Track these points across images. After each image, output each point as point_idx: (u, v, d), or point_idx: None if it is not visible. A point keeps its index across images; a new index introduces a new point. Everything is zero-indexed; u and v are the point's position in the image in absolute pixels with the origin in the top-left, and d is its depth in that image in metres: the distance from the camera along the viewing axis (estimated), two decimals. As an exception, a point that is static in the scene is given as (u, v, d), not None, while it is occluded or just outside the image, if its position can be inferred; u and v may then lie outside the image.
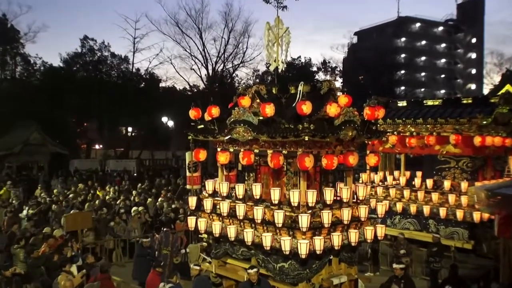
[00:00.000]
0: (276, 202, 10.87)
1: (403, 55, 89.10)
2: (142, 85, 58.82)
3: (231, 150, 12.11)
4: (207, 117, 12.12)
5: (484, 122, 16.78)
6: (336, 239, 10.61)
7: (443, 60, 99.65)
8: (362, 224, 11.50)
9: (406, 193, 18.75)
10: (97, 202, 24.39)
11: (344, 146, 11.34)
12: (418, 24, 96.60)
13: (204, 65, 53.31)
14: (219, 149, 12.23)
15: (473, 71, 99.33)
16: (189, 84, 57.67)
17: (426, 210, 17.95)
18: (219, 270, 12.77)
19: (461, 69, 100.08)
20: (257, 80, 56.40)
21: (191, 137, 12.44)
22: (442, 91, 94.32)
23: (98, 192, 28.07)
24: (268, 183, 12.08)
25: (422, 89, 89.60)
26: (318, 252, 10.32)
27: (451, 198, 17.52)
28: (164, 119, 52.86)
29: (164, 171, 46.33)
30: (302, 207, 10.52)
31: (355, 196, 11.82)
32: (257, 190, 11.35)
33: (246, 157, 11.19)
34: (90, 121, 56.90)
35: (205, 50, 53.06)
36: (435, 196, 17.93)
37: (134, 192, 27.85)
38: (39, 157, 40.44)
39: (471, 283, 14.65)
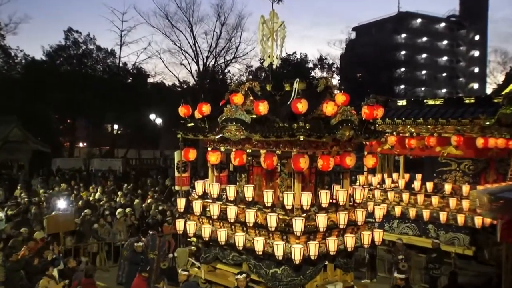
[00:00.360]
0: (269, 204, 10.85)
1: (403, 52, 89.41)
2: (129, 80, 58.68)
3: (222, 149, 12.09)
4: (197, 115, 12.11)
5: (487, 123, 16.82)
6: (332, 244, 10.61)
7: (445, 58, 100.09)
8: (359, 229, 11.51)
9: (405, 196, 18.78)
10: (80, 203, 24.32)
11: (341, 146, 11.34)
12: (419, 20, 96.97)
13: (194, 60, 53.22)
14: (209, 149, 12.19)
15: (476, 69, 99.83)
16: (178, 80, 57.61)
17: (426, 214, 17.98)
18: (208, 275, 12.75)
19: (464, 68, 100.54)
20: (250, 77, 56.38)
21: (180, 136, 12.42)
22: (444, 90, 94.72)
23: (81, 193, 27.98)
24: (261, 184, 12.07)
25: (423, 88, 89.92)
26: (312, 258, 10.31)
27: (452, 202, 17.55)
28: (152, 116, 52.79)
29: (151, 171, 46.25)
30: (296, 210, 10.52)
31: (351, 199, 11.82)
32: (249, 192, 11.34)
33: (238, 157, 11.18)
34: (74, 118, 56.67)
35: (196, 44, 52.98)
36: (435, 200, 17.97)
37: (119, 193, 27.79)
38: (20, 155, 40.20)
39: (471, 292, 14.72)
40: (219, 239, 11.54)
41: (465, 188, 17.63)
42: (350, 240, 11.02)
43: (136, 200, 25.70)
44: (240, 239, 11.11)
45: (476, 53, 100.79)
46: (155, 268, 15.54)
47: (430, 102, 19.32)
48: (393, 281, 14.22)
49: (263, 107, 10.64)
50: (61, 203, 21.01)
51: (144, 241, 16.53)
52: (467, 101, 18.21)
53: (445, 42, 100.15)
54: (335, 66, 69.41)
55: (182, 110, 12.16)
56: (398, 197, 19.10)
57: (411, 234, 18.69)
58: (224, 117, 11.10)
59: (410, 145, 18.30)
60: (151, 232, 17.07)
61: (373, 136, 11.56)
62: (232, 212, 11.33)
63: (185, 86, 57.35)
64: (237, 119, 10.94)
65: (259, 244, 10.67)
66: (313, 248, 10.27)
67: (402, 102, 20.31)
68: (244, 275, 11.08)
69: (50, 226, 18.31)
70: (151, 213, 22.42)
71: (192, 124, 12.25)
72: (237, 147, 11.62)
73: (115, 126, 60.73)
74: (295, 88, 11.29)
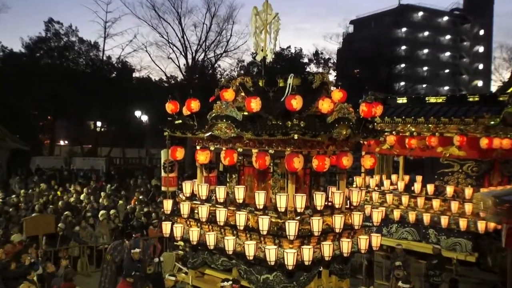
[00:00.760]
0: (261, 207, 10.85)
1: (403, 47, 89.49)
2: (114, 74, 58.54)
3: (212, 148, 12.08)
4: (185, 112, 12.10)
5: (492, 123, 16.88)
6: (327, 249, 10.62)
7: (448, 54, 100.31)
8: (355, 233, 11.53)
9: (405, 199, 18.83)
10: (60, 203, 24.25)
11: (337, 146, 11.36)
12: (420, 13, 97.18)
13: (183, 53, 53.14)
14: (198, 147, 12.20)
15: (480, 66, 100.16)
16: (166, 75, 57.50)
17: (426, 218, 18.03)
18: (196, 281, 12.75)
19: (467, 64, 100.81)
20: (242, 72, 56.29)
21: (167, 134, 12.39)
22: (446, 88, 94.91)
23: (58, 193, 27.86)
24: (253, 185, 12.08)
25: (424, 85, 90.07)
26: (306, 263, 10.32)
27: (454, 205, 17.60)
28: (138, 113, 52.67)
29: (136, 171, 46.17)
30: (290, 213, 10.52)
31: (348, 202, 11.86)
32: (240, 193, 11.33)
33: (229, 157, 11.17)
34: (54, 114, 56.47)
35: (185, 37, 52.90)
36: (436, 203, 18.02)
37: (102, 194, 27.72)
38: (-3, 153, 40.05)
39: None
40: (208, 243, 11.53)
41: (468, 191, 17.69)
42: (346, 245, 11.03)
43: (120, 202, 25.66)
44: (230, 243, 11.09)
45: (481, 49, 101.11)
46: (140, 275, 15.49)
47: (432, 99, 19.36)
48: None
49: (255, 104, 10.64)
50: None
51: (127, 245, 16.48)
52: (470, 99, 18.28)
53: (448, 36, 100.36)
54: (332, 61, 69.48)
55: (170, 107, 12.14)
56: (397, 200, 19.14)
57: (411, 239, 18.73)
58: (214, 114, 11.09)
59: (410, 145, 18.35)
60: (134, 236, 17.03)
61: (371, 135, 11.58)
62: (221, 214, 11.32)
63: (173, 81, 57.33)
64: (227, 116, 10.93)
65: (250, 249, 10.66)
66: (307, 253, 10.27)
67: (402, 100, 20.35)
68: (230, 283, 11.07)
69: (29, 228, 18.25)
70: (135, 215, 22.39)
71: (180, 121, 12.22)
72: (227, 146, 11.61)
73: (98, 123, 60.59)
74: (289, 84, 11.30)
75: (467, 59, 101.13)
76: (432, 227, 18.16)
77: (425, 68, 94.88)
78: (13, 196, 26.57)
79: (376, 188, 20.06)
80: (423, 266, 17.02)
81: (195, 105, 11.77)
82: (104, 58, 58.25)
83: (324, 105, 10.47)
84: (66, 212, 21.21)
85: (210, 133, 11.37)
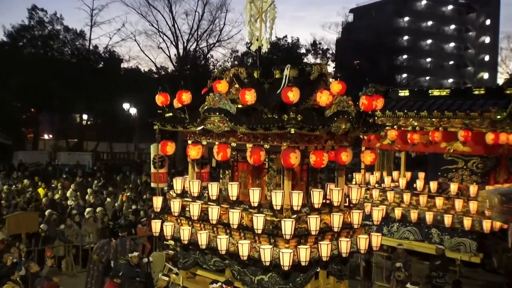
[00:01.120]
0: (256, 204, 10.86)
1: (406, 37, 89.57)
2: (101, 65, 58.40)
3: (204, 143, 12.08)
4: (176, 104, 12.09)
5: (498, 117, 16.93)
6: (325, 249, 10.64)
7: (452, 44, 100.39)
8: (354, 232, 11.56)
9: (406, 197, 18.88)
10: (44, 200, 24.21)
11: (336, 141, 11.38)
12: (424, 2, 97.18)
13: (174, 43, 53.02)
14: (189, 142, 12.19)
15: (486, 57, 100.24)
16: (156, 65, 57.47)
17: (429, 217, 18.08)
18: (187, 282, 12.77)
19: (473, 55, 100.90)
20: (236, 62, 56.25)
21: (157, 127, 12.39)
22: (450, 80, 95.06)
23: (40, 190, 27.74)
24: (247, 182, 12.09)
25: (427, 77, 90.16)
26: (303, 264, 10.34)
27: (458, 203, 17.66)
28: (126, 105, 52.49)
29: (124, 167, 46.08)
30: (286, 211, 10.54)
31: (347, 200, 11.87)
32: (233, 190, 11.33)
33: (222, 152, 11.17)
34: (38, 107, 56.29)
35: (176, 25, 52.77)
36: (439, 201, 18.07)
37: (89, 191, 27.68)
38: (-23, 148, 40.05)
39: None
40: (200, 242, 11.53)
41: (473, 189, 17.74)
42: (345, 245, 11.06)
43: (108, 199, 25.62)
44: (222, 242, 11.10)
45: (487, 39, 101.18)
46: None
47: (435, 92, 19.41)
48: None
49: (249, 96, 10.64)
50: None
51: (111, 245, 16.45)
52: (476, 92, 18.33)
53: (452, 26, 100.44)
54: (330, 51, 69.43)
55: (160, 99, 12.14)
56: (398, 197, 19.19)
57: (412, 238, 18.79)
58: (206, 107, 11.10)
59: (412, 140, 18.39)
60: (120, 235, 17.00)
61: (371, 129, 11.60)
62: (214, 212, 11.33)
63: (163, 72, 57.21)
64: (220, 109, 10.93)
65: (244, 248, 10.67)
66: (304, 253, 10.29)
67: (404, 93, 20.39)
68: (219, 284, 11.08)
69: (11, 226, 18.22)
70: (123, 212, 22.36)
71: (170, 114, 12.22)
72: (220, 140, 11.62)
73: (85, 116, 60.46)
74: (286, 75, 11.29)
75: (472, 50, 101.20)
76: (435, 226, 18.22)
77: (428, 60, 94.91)
78: (-6, 192, 26.51)
79: (376, 185, 20.11)
80: (426, 267, 17.03)
81: (186, 97, 11.76)
82: (91, 47, 58.13)
83: (322, 98, 10.46)
84: (48, 210, 21.13)
85: (202, 126, 11.38)
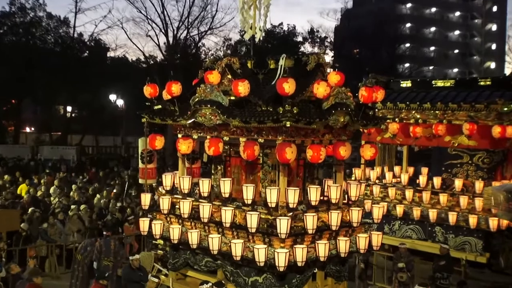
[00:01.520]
0: (249, 202, 10.88)
1: (408, 25, 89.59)
2: (86, 54, 58.24)
3: (195, 137, 12.08)
4: (165, 96, 12.08)
5: (505, 109, 16.96)
6: (322, 249, 10.65)
7: (457, 32, 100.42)
8: (354, 231, 11.58)
9: (409, 193, 18.91)
10: (26, 197, 24.17)
11: (334, 134, 11.39)
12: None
13: (163, 31, 52.87)
14: (180, 136, 12.19)
15: (493, 46, 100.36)
16: (144, 54, 57.21)
17: (432, 214, 18.12)
18: (177, 284, 12.77)
19: (479, 44, 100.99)
20: (229, 52, 56.23)
21: (146, 120, 12.38)
22: (455, 70, 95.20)
23: (22, 186, 27.66)
24: (240, 178, 12.10)
25: (431, 67, 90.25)
26: (299, 264, 10.35)
27: (463, 200, 17.69)
28: (113, 96, 52.44)
29: (111, 161, 46.07)
30: (281, 208, 10.54)
31: (346, 196, 11.89)
32: (226, 186, 11.33)
33: (213, 146, 11.16)
34: (19, 98, 56.16)
35: (165, 12, 52.58)
36: (443, 198, 18.10)
37: (73, 187, 27.64)
38: (-46, 141, 39.94)
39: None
40: (190, 241, 11.54)
41: (479, 185, 17.78)
42: (343, 244, 11.07)
43: (97, 196, 25.53)
44: (214, 242, 11.11)
45: (494, 27, 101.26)
46: (112, 277, 15.42)
47: (439, 83, 19.46)
48: None
49: (243, 88, 10.62)
50: None
51: (96, 246, 16.42)
52: (482, 83, 18.37)
53: (457, 13, 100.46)
54: (329, 40, 69.41)
55: (148, 90, 12.12)
56: (400, 194, 19.23)
57: (415, 237, 18.84)
58: (197, 99, 11.08)
59: (415, 133, 18.41)
60: (105, 234, 16.98)
61: (371, 122, 11.60)
62: (205, 210, 11.32)
63: (152, 62, 57.05)
64: (212, 101, 10.92)
65: (237, 248, 10.68)
66: (300, 253, 10.30)
67: (406, 83, 20.42)
68: (209, 285, 11.08)
69: (-9, 225, 18.19)
70: (110, 210, 22.32)
71: (159, 106, 12.21)
72: (212, 134, 11.61)
73: (69, 108, 60.37)
74: (281, 66, 11.27)
75: (478, 38, 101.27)
76: (439, 224, 18.26)
77: (432, 48, 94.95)
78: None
79: (377, 181, 20.16)
80: (430, 268, 17.07)
81: (176, 88, 11.73)
82: (75, 35, 57.97)
83: (320, 89, 10.46)
84: (30, 208, 21.11)
85: (193, 119, 11.36)
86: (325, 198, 11.60)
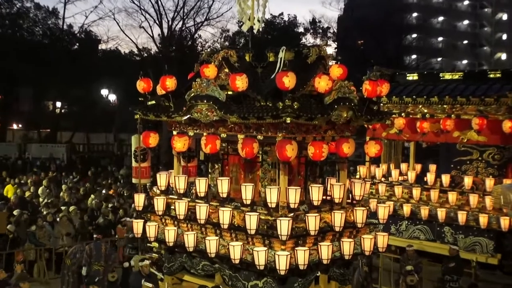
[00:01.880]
0: (248, 202, 10.85)
1: (415, 14, 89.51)
2: (76, 46, 58.31)
3: (191, 134, 12.07)
4: (159, 91, 12.06)
5: (517, 103, 16.98)
6: (325, 251, 10.65)
7: (466, 22, 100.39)
8: (358, 232, 11.57)
9: (416, 192, 18.92)
10: (13, 198, 24.16)
11: (336, 130, 11.38)
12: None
13: (157, 22, 52.89)
14: (175, 133, 12.17)
15: (504, 36, 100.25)
16: (137, 47, 57.26)
17: (441, 214, 18.12)
18: (173, 289, 12.78)
19: (489, 34, 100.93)
20: (226, 43, 56.17)
21: (139, 116, 12.37)
22: (464, 61, 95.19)
23: (8, 187, 27.63)
24: (238, 177, 12.10)
25: (439, 58, 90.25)
26: (301, 268, 10.33)
27: (473, 199, 17.70)
28: (104, 91, 52.43)
29: (103, 160, 46.11)
30: (282, 209, 10.53)
31: (350, 196, 11.88)
32: (223, 186, 11.31)
33: (210, 144, 11.14)
34: (6, 93, 56.16)
35: (159, 2, 52.66)
36: (452, 197, 18.11)
37: (63, 187, 27.66)
38: None
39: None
40: (187, 244, 11.53)
41: (489, 182, 17.79)
42: (347, 246, 11.05)
43: (92, 196, 25.52)
44: (212, 244, 11.09)
45: (504, 16, 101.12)
46: (102, 282, 15.40)
47: (447, 76, 19.45)
48: None
49: (241, 82, 10.61)
50: None
51: (86, 250, 16.41)
52: (492, 75, 18.35)
53: (466, 2, 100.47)
54: (331, 30, 69.53)
55: (141, 85, 12.09)
56: (407, 193, 19.25)
57: (423, 238, 18.85)
58: (192, 94, 11.05)
59: (422, 129, 18.41)
60: (95, 237, 16.94)
61: (376, 118, 11.60)
62: (202, 211, 11.31)
63: (145, 55, 57.10)
64: (208, 96, 10.89)
65: (236, 251, 10.67)
66: (302, 256, 10.28)
67: (412, 76, 20.42)
68: None
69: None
70: (102, 211, 22.31)
71: (153, 102, 12.20)
72: (208, 131, 11.60)
73: (58, 104, 60.37)
74: (281, 58, 11.25)
75: (488, 28, 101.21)
76: (448, 224, 18.28)
77: (439, 39, 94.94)
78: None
79: (382, 179, 20.17)
80: (438, 270, 17.08)
81: (170, 83, 11.72)
82: (65, 27, 58.03)
83: (321, 83, 10.45)
84: (18, 210, 21.10)
85: (188, 116, 11.34)
86: (328, 198, 11.59)
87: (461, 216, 17.65)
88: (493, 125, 17.20)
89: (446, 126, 17.85)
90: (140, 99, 12.41)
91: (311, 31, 66.93)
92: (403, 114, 18.88)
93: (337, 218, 10.93)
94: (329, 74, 10.76)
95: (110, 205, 23.21)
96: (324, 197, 11.35)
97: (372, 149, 11.67)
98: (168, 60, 45.84)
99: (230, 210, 11.01)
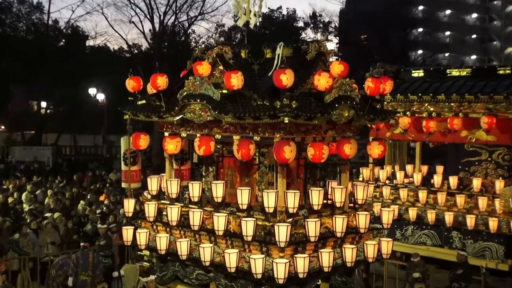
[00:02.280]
0: (245, 207, 10.86)
1: (421, 8, 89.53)
2: (62, 43, 58.21)
3: (184, 135, 12.09)
4: (150, 89, 12.07)
5: (527, 101, 17.01)
6: (326, 258, 10.66)
7: (474, 15, 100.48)
8: (361, 238, 11.59)
9: (422, 195, 18.93)
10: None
11: (337, 131, 11.40)
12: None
13: (148, 16, 52.86)
14: (166, 134, 12.19)
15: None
16: (127, 43, 57.22)
17: (449, 218, 18.14)
18: (165, 299, 12.79)
19: (498, 28, 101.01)
20: (222, 39, 56.21)
21: (128, 117, 12.37)
22: (473, 57, 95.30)
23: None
24: (234, 181, 12.12)
25: (446, 54, 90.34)
26: (301, 276, 10.35)
27: (482, 202, 17.71)
28: (92, 90, 52.42)
29: (91, 163, 46.08)
30: (280, 214, 10.55)
31: (352, 199, 11.90)
32: (218, 190, 11.31)
33: (204, 145, 11.15)
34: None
35: (151, -5, 52.64)
36: (460, 200, 18.12)
37: (49, 192, 27.63)
38: None
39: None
40: (179, 252, 11.54)
41: (499, 184, 17.82)
42: (350, 253, 11.08)
43: (82, 202, 25.49)
44: (206, 252, 11.10)
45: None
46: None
47: (454, 72, 19.46)
48: None
49: (236, 80, 10.61)
50: None
51: (73, 259, 16.39)
52: (501, 72, 18.38)
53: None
54: (333, 25, 69.53)
55: (131, 83, 12.08)
56: (413, 196, 19.26)
57: (430, 244, 18.86)
58: (185, 93, 11.06)
59: (428, 128, 18.42)
60: (82, 245, 16.90)
61: (379, 117, 11.61)
62: (196, 217, 11.31)
63: (136, 51, 57.07)
64: (202, 95, 10.90)
65: (232, 259, 10.67)
66: (302, 264, 10.30)
67: (418, 73, 20.44)
68: None
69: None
70: (90, 218, 22.27)
71: (143, 101, 12.21)
72: (202, 132, 11.61)
73: (43, 104, 60.29)
74: (279, 55, 11.28)
75: (498, 21, 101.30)
76: (456, 229, 18.29)
77: (447, 33, 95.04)
78: None
79: (387, 181, 20.17)
80: (446, 277, 17.08)
81: (162, 81, 11.72)
82: (50, 22, 57.95)
83: (321, 81, 10.46)
84: (0, 217, 21.09)
85: (181, 116, 11.35)
86: (329, 202, 11.61)
87: (470, 220, 17.65)
88: (503, 124, 17.23)
89: (454, 125, 17.87)
90: (129, 98, 12.41)
91: (311, 25, 66.96)
92: (408, 113, 18.89)
93: (339, 223, 10.95)
94: (329, 71, 10.78)
95: (98, 211, 23.17)
96: (325, 201, 11.37)
97: (375, 150, 11.70)
98: (159, 57, 45.77)
99: (225, 215, 11.02)
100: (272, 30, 58.50)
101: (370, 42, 67.20)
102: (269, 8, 59.20)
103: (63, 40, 58.48)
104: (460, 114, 17.88)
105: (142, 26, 53.57)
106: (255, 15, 12.40)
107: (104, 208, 23.87)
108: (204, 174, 12.72)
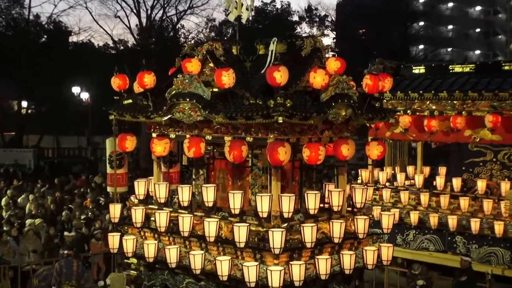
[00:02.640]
0: (237, 211, 10.86)
1: (421, 0, 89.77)
2: (44, 39, 58.16)
3: (172, 136, 12.08)
4: (137, 88, 12.05)
5: (534, 98, 17.04)
6: (323, 265, 10.66)
7: (478, 8, 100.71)
8: (360, 243, 11.60)
9: (424, 198, 18.95)
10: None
11: (334, 131, 11.40)
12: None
13: (134, 11, 52.95)
14: (154, 135, 12.18)
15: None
16: (112, 39, 57.34)
17: (452, 222, 18.16)
18: (154, 310, 12.77)
19: (503, 21, 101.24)
20: (212, 34, 56.23)
21: (114, 117, 12.36)
22: (477, 52, 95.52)
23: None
24: (226, 184, 12.11)
25: (449, 49, 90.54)
26: (296, 284, 10.34)
27: (487, 205, 17.74)
28: (76, 89, 52.37)
29: (74, 166, 46.03)
30: (274, 218, 10.55)
31: (350, 203, 11.91)
32: (209, 194, 11.32)
33: (194, 147, 11.15)
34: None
35: (137, -11, 52.66)
36: (464, 202, 18.14)
37: (30, 197, 27.59)
38: None
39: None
40: (169, 260, 11.52)
41: (505, 186, 17.83)
42: (348, 259, 11.07)
43: (69, 206, 25.45)
44: (197, 259, 11.08)
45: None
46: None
47: (457, 68, 19.50)
48: None
49: (227, 78, 10.61)
50: None
51: (56, 267, 16.36)
52: (506, 67, 18.41)
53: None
54: (329, 19, 69.64)
55: (116, 82, 12.07)
56: (414, 199, 19.27)
57: (433, 249, 18.88)
58: (174, 92, 11.05)
59: (429, 127, 18.44)
60: (65, 253, 16.86)
61: (378, 116, 11.63)
62: (185, 222, 11.31)
63: (122, 48, 57.09)
64: (191, 94, 10.89)
65: (223, 267, 10.65)
66: (298, 271, 10.29)
67: (419, 69, 20.47)
68: None
69: None
70: (74, 224, 22.25)
71: (129, 101, 12.19)
72: (192, 133, 11.61)
73: (24, 104, 60.21)
74: (272, 51, 11.28)
75: (503, 14, 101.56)
76: (460, 233, 18.31)
77: (449, 27, 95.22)
78: None
79: (387, 184, 20.18)
80: (449, 284, 17.13)
81: (149, 79, 11.70)
82: (31, 17, 57.94)
83: (317, 79, 10.45)
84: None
85: (169, 116, 11.34)
86: (326, 206, 11.61)
87: (474, 224, 17.68)
88: (508, 123, 17.24)
89: (457, 124, 17.88)
90: (115, 97, 12.39)
91: (307, 19, 67.11)
92: (408, 111, 18.90)
93: (336, 229, 10.95)
94: (325, 68, 10.76)
95: (83, 217, 23.15)
96: (322, 205, 11.36)
97: (374, 150, 11.69)
98: (146, 53, 45.90)
99: (216, 221, 11.01)
100: (265, 24, 58.58)
101: (368, 37, 67.38)
102: (262, 1, 59.34)
103: (45, 36, 58.51)
104: (463, 112, 17.89)
105: (128, 21, 53.75)
106: (247, 9, 12.41)
107: (90, 213, 23.86)
108: (194, 177, 12.72)
